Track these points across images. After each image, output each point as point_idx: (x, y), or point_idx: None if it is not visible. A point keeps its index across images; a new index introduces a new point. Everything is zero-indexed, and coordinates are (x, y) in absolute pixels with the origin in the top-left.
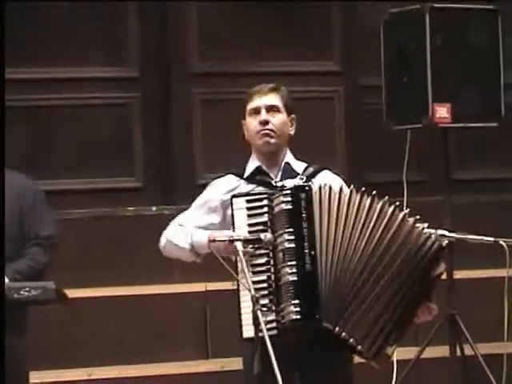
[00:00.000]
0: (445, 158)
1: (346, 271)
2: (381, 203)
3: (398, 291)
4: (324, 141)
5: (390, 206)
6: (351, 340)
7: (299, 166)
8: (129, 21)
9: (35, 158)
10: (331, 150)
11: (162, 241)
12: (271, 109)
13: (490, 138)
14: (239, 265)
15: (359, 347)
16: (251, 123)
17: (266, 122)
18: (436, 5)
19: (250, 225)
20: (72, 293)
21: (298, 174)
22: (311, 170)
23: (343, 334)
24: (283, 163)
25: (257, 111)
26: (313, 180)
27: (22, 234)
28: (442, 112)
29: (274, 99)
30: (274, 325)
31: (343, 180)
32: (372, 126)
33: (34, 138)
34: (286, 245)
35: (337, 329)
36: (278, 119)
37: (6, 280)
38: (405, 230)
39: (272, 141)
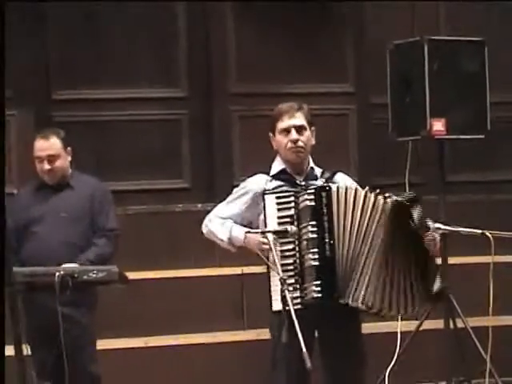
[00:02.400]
0: (440, 163)
1: (357, 254)
2: (373, 195)
3: (390, 253)
4: (339, 150)
5: (376, 195)
6: (365, 307)
7: (318, 170)
8: (178, 49)
9: (103, 164)
10: (345, 157)
11: (205, 228)
12: (299, 128)
13: (478, 147)
14: (270, 252)
15: (373, 310)
16: (283, 140)
17: (296, 141)
18: (433, 37)
19: (279, 217)
20: (131, 275)
21: (317, 176)
22: (327, 173)
23: (358, 304)
24: (308, 168)
25: (287, 131)
26: (332, 181)
27: (91, 227)
28: (438, 126)
29: (300, 119)
30: (299, 300)
31: (354, 181)
32: (379, 137)
33: (103, 148)
34: (310, 235)
35: (350, 302)
36: (305, 136)
37: (77, 266)
38: (386, 208)
39: (301, 155)
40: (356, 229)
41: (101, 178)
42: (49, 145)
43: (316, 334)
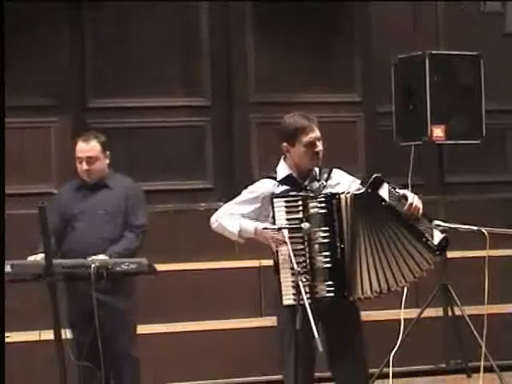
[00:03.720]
0: (440, 166)
1: (361, 253)
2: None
3: (378, 236)
4: (348, 154)
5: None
6: (376, 295)
7: (316, 170)
8: (203, 62)
9: (134, 166)
10: (354, 160)
11: (214, 223)
12: (319, 139)
13: (475, 151)
14: (284, 247)
15: (384, 292)
16: (307, 153)
17: (318, 153)
18: (433, 52)
19: (287, 219)
20: (159, 267)
21: (317, 176)
22: (325, 174)
23: (368, 295)
24: (312, 172)
25: (313, 143)
26: (330, 178)
27: (125, 222)
28: (438, 132)
29: (318, 131)
30: (308, 296)
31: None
32: (385, 142)
33: (134, 152)
34: (322, 240)
35: (361, 296)
36: (321, 145)
37: (106, 257)
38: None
39: (319, 162)
40: (360, 231)
41: (135, 179)
42: (89, 147)
43: (320, 324)
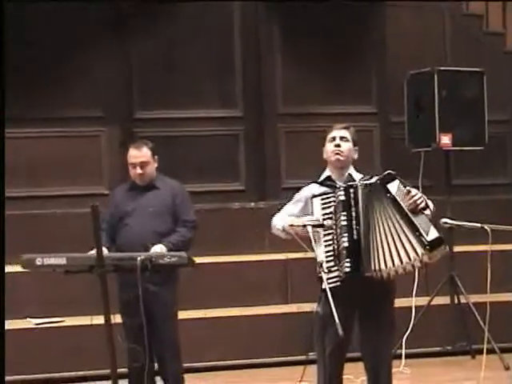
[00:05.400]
0: (447, 170)
1: (374, 236)
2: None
3: (382, 224)
4: (365, 159)
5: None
6: (384, 274)
7: (358, 176)
8: (236, 77)
9: (176, 170)
10: (370, 165)
11: (271, 228)
12: (342, 138)
13: (478, 157)
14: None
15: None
16: (329, 146)
17: (338, 145)
18: (441, 68)
19: (323, 214)
20: (198, 259)
21: (355, 180)
22: (366, 177)
23: (380, 275)
24: (346, 174)
25: (334, 139)
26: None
27: (172, 219)
28: (445, 139)
29: (345, 133)
30: (338, 278)
31: None
32: (398, 149)
33: (175, 158)
34: (342, 223)
35: (374, 274)
36: (347, 145)
37: (164, 248)
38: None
39: (341, 158)
40: (372, 216)
41: (180, 181)
42: (141, 153)
43: (355, 310)
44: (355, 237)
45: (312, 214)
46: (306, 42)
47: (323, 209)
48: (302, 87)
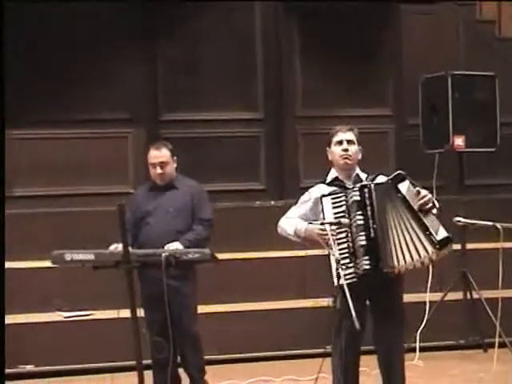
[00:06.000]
0: (460, 170)
1: (389, 233)
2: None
3: (394, 221)
4: (382, 160)
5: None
6: (397, 270)
7: (364, 175)
8: (257, 82)
9: (199, 170)
10: (386, 165)
11: (278, 228)
12: (349, 142)
13: (490, 158)
14: (328, 239)
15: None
16: (336, 150)
17: (346, 150)
18: (455, 72)
19: (334, 213)
20: (220, 256)
21: (363, 180)
22: (371, 176)
23: (394, 269)
24: (354, 174)
25: (340, 143)
26: (375, 181)
27: (192, 217)
28: (459, 141)
29: (350, 135)
30: (354, 275)
31: None
32: (412, 150)
33: (198, 158)
34: (358, 222)
35: (393, 270)
36: (353, 148)
37: (180, 246)
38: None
39: (349, 162)
40: (386, 215)
41: (197, 181)
42: (161, 154)
43: (367, 303)
44: (372, 235)
45: (322, 212)
46: (325, 47)
47: (334, 208)
48: (319, 91)
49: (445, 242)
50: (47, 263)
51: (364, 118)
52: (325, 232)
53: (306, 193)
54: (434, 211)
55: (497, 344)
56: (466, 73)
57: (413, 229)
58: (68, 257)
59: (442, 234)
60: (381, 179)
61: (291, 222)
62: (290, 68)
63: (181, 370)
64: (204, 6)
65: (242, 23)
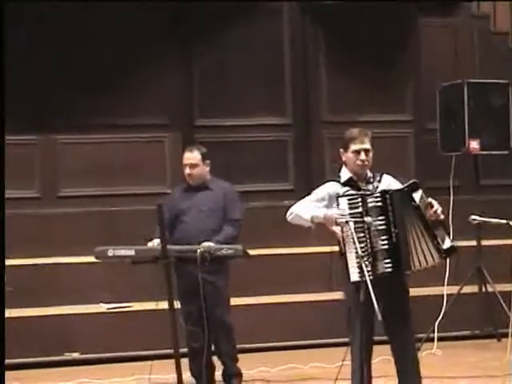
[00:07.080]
0: (475, 171)
1: (409, 238)
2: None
3: (408, 228)
4: (402, 162)
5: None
6: (416, 270)
7: (370, 174)
8: (285, 89)
9: (232, 172)
10: (406, 167)
11: (289, 214)
12: (367, 151)
13: (504, 159)
14: (349, 236)
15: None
16: (354, 158)
17: (364, 160)
18: (471, 80)
19: (350, 213)
20: (252, 251)
21: (371, 179)
22: (377, 177)
23: (413, 270)
24: (367, 175)
25: (358, 152)
26: (381, 181)
27: (224, 217)
28: (474, 144)
29: (367, 144)
30: (370, 273)
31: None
32: (431, 153)
33: (231, 161)
34: (380, 227)
35: (411, 272)
36: (370, 156)
37: (212, 244)
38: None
39: (365, 170)
40: (405, 220)
41: (230, 182)
42: (192, 156)
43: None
44: (394, 239)
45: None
46: (348, 55)
47: (350, 208)
48: (344, 97)
49: (450, 251)
50: (91, 258)
51: (385, 122)
52: (345, 224)
53: (321, 189)
54: (442, 217)
55: (510, 334)
56: (481, 81)
57: (423, 237)
58: (110, 252)
59: (447, 243)
60: (387, 179)
61: (307, 208)
62: (316, 77)
63: (214, 358)
64: (235, 15)
65: (271, 30)
